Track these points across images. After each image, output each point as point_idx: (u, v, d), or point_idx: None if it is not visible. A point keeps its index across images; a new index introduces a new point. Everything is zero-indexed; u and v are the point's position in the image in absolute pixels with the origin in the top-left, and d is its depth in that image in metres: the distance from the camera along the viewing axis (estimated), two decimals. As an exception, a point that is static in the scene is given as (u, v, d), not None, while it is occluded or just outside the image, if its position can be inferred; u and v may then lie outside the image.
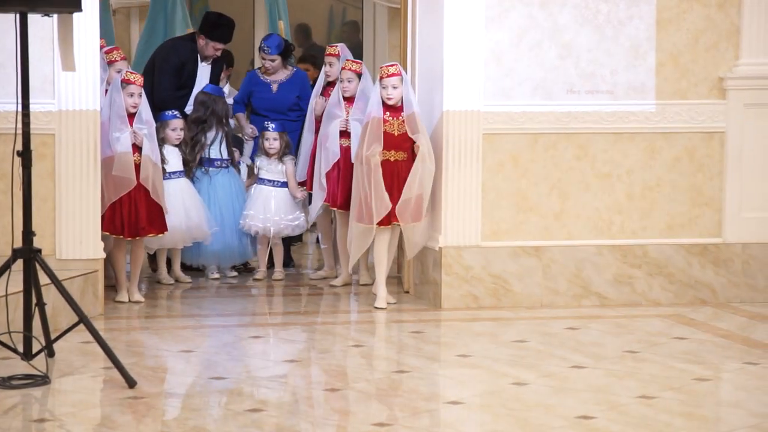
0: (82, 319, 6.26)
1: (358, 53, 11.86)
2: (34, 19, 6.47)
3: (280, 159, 9.25)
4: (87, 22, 7.74)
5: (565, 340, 7.33)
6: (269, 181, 9.26)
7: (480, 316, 8.03)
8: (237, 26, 9.85)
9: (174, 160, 8.91)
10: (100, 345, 6.24)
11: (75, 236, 7.92)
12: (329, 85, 9.21)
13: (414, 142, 8.18)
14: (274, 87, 9.62)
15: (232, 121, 9.52)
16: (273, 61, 9.57)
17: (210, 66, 9.58)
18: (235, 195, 9.29)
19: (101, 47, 8.37)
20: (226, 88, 10.05)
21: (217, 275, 9.40)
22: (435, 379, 6.48)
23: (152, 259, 9.39)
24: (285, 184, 9.27)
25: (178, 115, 9.05)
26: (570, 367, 6.62)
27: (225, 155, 9.26)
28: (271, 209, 9.22)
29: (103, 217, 8.14)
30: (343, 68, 8.97)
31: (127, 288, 8.46)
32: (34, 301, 6.30)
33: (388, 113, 8.21)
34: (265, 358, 7.01)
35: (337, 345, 7.30)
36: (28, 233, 6.26)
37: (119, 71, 8.62)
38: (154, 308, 8.38)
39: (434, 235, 8.29)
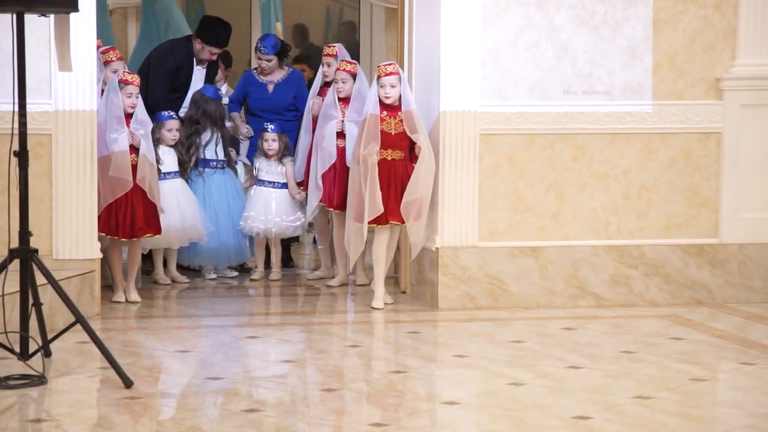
0: (79, 319, 6.26)
1: (355, 53, 11.86)
2: (30, 19, 6.47)
3: (280, 160, 9.24)
4: (84, 22, 7.73)
5: (561, 340, 7.33)
6: (269, 182, 9.26)
7: (477, 316, 8.03)
8: (234, 26, 9.85)
9: (169, 160, 8.91)
10: (96, 345, 6.24)
11: (72, 236, 7.92)
12: (326, 85, 9.21)
13: (411, 141, 8.18)
14: (270, 87, 9.62)
15: (228, 123, 9.51)
16: (269, 61, 9.57)
17: (205, 69, 9.58)
18: (230, 195, 9.29)
19: (98, 47, 8.36)
20: (224, 88, 10.05)
21: (214, 275, 9.40)
22: (432, 380, 6.48)
23: (147, 259, 9.37)
24: (285, 185, 9.27)
25: (174, 116, 9.04)
26: (566, 367, 6.62)
27: (221, 156, 9.26)
28: (272, 210, 9.22)
29: (98, 217, 8.14)
30: (337, 69, 8.97)
31: (124, 288, 8.46)
32: (31, 301, 6.30)
33: (385, 112, 8.22)
34: (262, 359, 7.01)
35: (334, 345, 7.30)
36: (24, 233, 6.26)
37: (115, 71, 8.63)
38: (150, 308, 8.38)
39: (431, 235, 8.29)
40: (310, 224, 9.62)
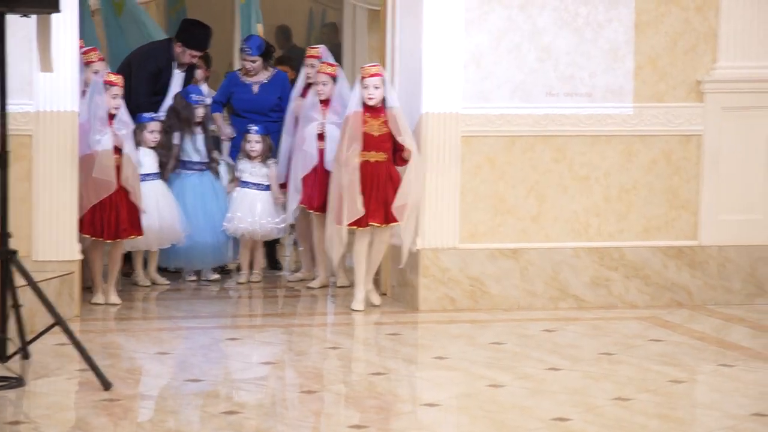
0: (58, 321, 6.24)
1: (337, 55, 11.86)
2: (12, 19, 6.45)
3: (264, 162, 9.22)
4: (66, 23, 7.71)
5: (541, 342, 7.34)
6: (254, 184, 9.22)
7: (457, 318, 8.04)
8: (217, 28, 9.82)
9: (149, 162, 8.89)
10: (75, 347, 6.23)
11: (51, 238, 7.89)
12: (310, 86, 9.20)
13: (395, 143, 8.15)
14: (255, 88, 9.61)
15: (212, 126, 9.49)
16: (254, 62, 9.56)
17: (184, 73, 9.54)
18: (208, 197, 9.23)
19: (79, 47, 8.34)
20: (204, 89, 10.02)
21: (194, 277, 9.38)
22: (412, 381, 6.48)
23: (126, 261, 9.32)
24: (269, 187, 9.26)
25: (155, 118, 9.03)
26: (546, 369, 6.63)
27: (200, 158, 9.22)
28: (257, 212, 9.19)
29: (82, 218, 8.12)
30: (318, 71, 8.97)
31: (103, 290, 8.44)
32: (10, 302, 6.28)
33: (368, 114, 8.20)
34: (242, 360, 7.00)
35: (314, 347, 7.29)
36: (4, 234, 6.25)
37: (96, 72, 8.61)
38: (130, 310, 8.36)
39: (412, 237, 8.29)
40: (292, 226, 9.61)
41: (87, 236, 8.21)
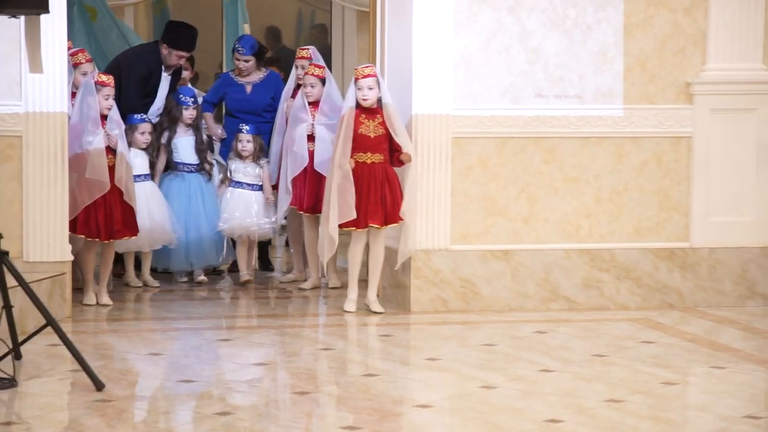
0: (50, 322, 6.23)
1: (326, 56, 11.86)
2: (1, 20, 6.44)
3: (256, 162, 9.21)
4: (54, 23, 7.70)
5: (533, 343, 7.35)
6: (248, 185, 9.21)
7: (449, 319, 8.04)
8: (205, 28, 9.80)
9: (139, 163, 8.88)
10: (67, 348, 6.21)
11: (42, 239, 7.88)
12: (300, 87, 9.20)
13: (391, 143, 8.11)
14: (249, 88, 9.60)
15: (204, 129, 9.47)
16: (247, 61, 9.55)
17: (171, 76, 9.52)
18: (194, 198, 9.20)
19: (68, 49, 8.33)
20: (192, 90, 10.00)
21: (185, 279, 9.37)
22: (404, 383, 6.48)
23: (117, 262, 9.30)
24: (262, 187, 9.24)
25: (146, 119, 9.02)
26: (538, 370, 6.63)
27: (191, 160, 9.21)
28: (253, 213, 9.16)
29: (76, 219, 8.11)
30: (306, 73, 8.96)
31: (95, 291, 8.42)
32: (1, 303, 6.26)
33: (363, 115, 8.18)
34: (234, 362, 6.99)
35: (306, 348, 7.29)
36: (-5, 236, 6.23)
37: (84, 74, 8.61)
38: (122, 311, 8.35)
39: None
40: (283, 227, 9.60)
41: (81, 236, 8.19)
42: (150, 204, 8.87)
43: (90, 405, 5.83)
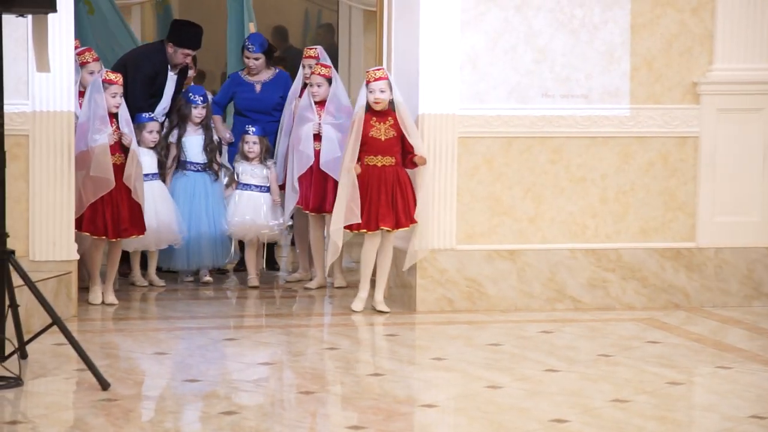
0: (56, 321, 6.23)
1: (333, 56, 11.86)
2: (8, 19, 6.44)
3: (263, 163, 9.20)
4: (62, 23, 7.71)
5: (539, 343, 7.35)
6: (256, 186, 9.19)
7: (455, 319, 8.04)
8: (210, 27, 9.81)
9: (148, 162, 8.88)
10: (73, 347, 6.22)
11: (48, 238, 7.89)
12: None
13: (403, 146, 8.10)
14: (258, 87, 9.60)
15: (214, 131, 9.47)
16: (257, 59, 9.54)
17: (177, 76, 9.53)
18: (198, 197, 9.19)
19: (75, 48, 8.33)
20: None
21: (191, 278, 9.37)
22: (409, 382, 6.48)
23: (123, 262, 9.30)
24: (270, 189, 9.23)
25: (154, 118, 9.03)
26: (544, 370, 6.63)
27: (198, 159, 9.21)
28: (262, 215, 9.15)
29: (82, 217, 8.12)
30: (312, 73, 8.96)
31: (102, 289, 8.42)
32: (7, 302, 6.27)
33: (374, 118, 8.15)
34: (240, 361, 7.00)
35: (311, 348, 7.29)
36: (1, 234, 6.23)
37: (92, 72, 8.62)
38: (127, 310, 8.35)
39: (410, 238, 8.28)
40: (289, 226, 9.60)
41: (87, 234, 8.20)
42: (157, 203, 8.88)
43: (95, 404, 5.84)
